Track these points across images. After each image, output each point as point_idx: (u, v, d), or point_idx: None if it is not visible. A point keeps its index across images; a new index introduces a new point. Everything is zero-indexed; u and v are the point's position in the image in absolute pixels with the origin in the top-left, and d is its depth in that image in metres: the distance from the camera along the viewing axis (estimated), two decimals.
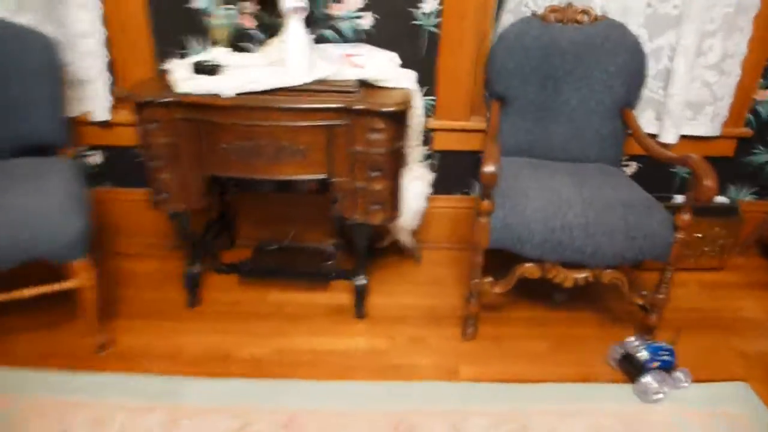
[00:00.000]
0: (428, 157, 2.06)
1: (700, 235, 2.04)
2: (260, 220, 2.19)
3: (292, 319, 1.82)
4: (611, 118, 1.84)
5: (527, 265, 1.60)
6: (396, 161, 1.57)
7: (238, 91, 1.46)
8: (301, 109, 1.46)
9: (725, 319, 1.87)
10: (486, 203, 1.49)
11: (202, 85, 1.45)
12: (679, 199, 2.09)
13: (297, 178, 1.56)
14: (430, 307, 1.89)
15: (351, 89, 1.47)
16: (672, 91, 1.89)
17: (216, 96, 1.46)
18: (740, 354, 1.70)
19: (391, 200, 1.61)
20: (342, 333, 1.77)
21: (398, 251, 2.16)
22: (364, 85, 1.59)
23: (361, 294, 1.79)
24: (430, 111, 1.99)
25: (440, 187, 2.11)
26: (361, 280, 1.77)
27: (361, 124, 1.49)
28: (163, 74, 1.62)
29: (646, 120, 2.00)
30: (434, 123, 1.99)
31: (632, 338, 1.58)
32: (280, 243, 2.12)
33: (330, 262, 1.98)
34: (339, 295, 1.93)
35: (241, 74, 1.52)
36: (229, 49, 1.66)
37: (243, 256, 2.03)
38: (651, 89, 1.96)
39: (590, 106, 1.83)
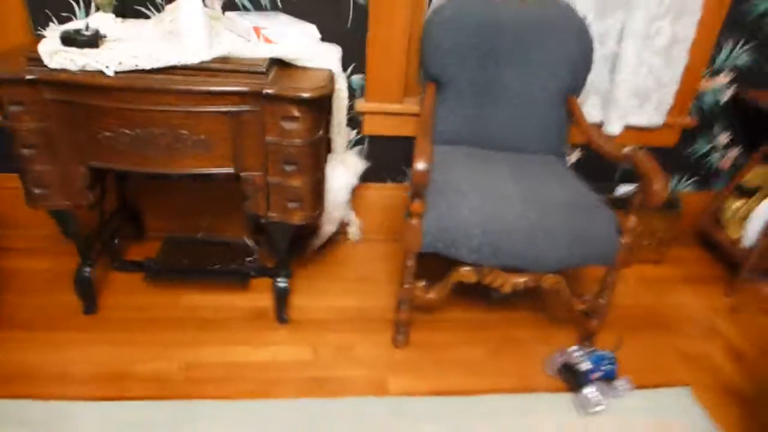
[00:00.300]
0: (358, 142, 1.87)
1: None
2: (171, 209, 1.94)
3: (206, 325, 1.62)
4: (555, 106, 1.70)
5: (463, 269, 1.46)
6: (316, 153, 1.37)
7: (119, 69, 1.20)
8: (200, 92, 1.23)
9: (666, 317, 1.81)
10: (417, 204, 1.33)
11: (74, 61, 1.19)
12: (622, 189, 2.01)
13: (199, 172, 1.34)
14: (359, 309, 1.73)
15: (259, 70, 1.25)
16: (619, 78, 1.77)
17: (95, 74, 1.21)
18: (682, 355, 1.65)
19: (312, 197, 1.42)
20: (262, 341, 1.58)
21: (327, 242, 1.98)
22: (278, 64, 1.36)
23: (281, 298, 1.60)
24: (360, 91, 1.79)
25: (372, 174, 1.93)
26: (281, 283, 1.58)
27: (273, 111, 1.27)
28: (36, 43, 1.34)
29: (590, 106, 1.88)
30: (364, 105, 1.79)
31: (574, 348, 1.48)
32: (192, 237, 1.89)
33: (250, 259, 1.78)
34: (260, 296, 1.74)
35: (125, 48, 1.26)
36: (114, 15, 1.38)
37: (152, 252, 1.80)
38: (596, 74, 1.84)
39: (533, 91, 1.69)
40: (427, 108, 1.62)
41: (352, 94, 1.78)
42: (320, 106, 1.33)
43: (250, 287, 1.77)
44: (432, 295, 1.50)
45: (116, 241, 1.78)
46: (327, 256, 1.94)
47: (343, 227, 1.95)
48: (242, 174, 1.37)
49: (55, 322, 1.59)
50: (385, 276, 1.87)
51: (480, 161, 1.60)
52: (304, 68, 1.38)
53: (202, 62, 1.24)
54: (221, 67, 1.25)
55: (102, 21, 1.35)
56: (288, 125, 1.29)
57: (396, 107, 1.79)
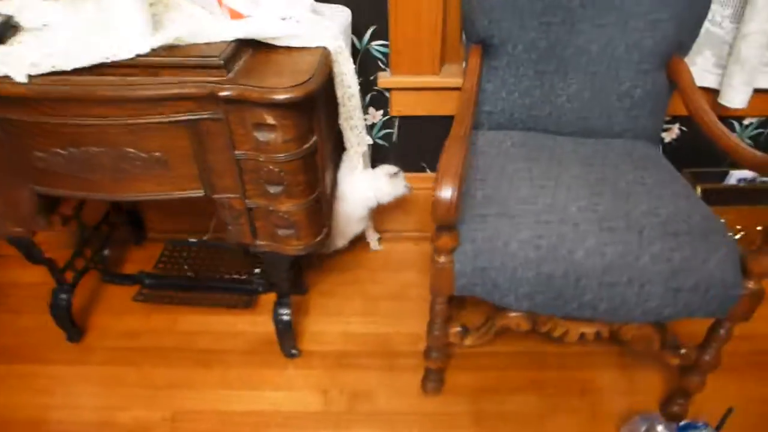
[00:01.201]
0: (385, 125, 1.48)
1: (760, 228, 1.49)
2: (175, 208, 1.67)
3: (203, 359, 1.37)
4: (651, 71, 1.22)
5: (512, 314, 1.09)
6: (309, 168, 1.01)
7: (34, 73, 0.88)
8: (137, 99, 0.89)
9: None
10: (443, 239, 0.95)
11: None
12: (737, 176, 1.51)
13: (157, 198, 1.02)
14: (384, 338, 1.41)
15: (213, 62, 0.88)
16: (748, 28, 1.24)
17: (4, 80, 0.89)
18: None
19: (310, 222, 1.08)
20: (264, 383, 1.31)
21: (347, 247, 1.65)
22: (254, 45, 0.99)
23: (284, 332, 1.31)
24: (383, 62, 1.38)
25: (405, 162, 1.55)
26: (284, 315, 1.29)
27: (241, 118, 0.92)
28: None
29: (699, 68, 1.37)
30: (389, 80, 1.38)
31: (657, 418, 1.10)
32: (196, 240, 1.62)
33: (257, 271, 1.49)
34: (269, 316, 1.46)
35: (46, 42, 0.93)
36: None
37: (152, 259, 1.56)
38: (712, 21, 1.31)
39: (619, 53, 1.21)
40: (470, 82, 1.20)
41: (375, 65, 1.38)
42: (309, 106, 0.95)
43: (258, 304, 1.50)
44: (470, 341, 1.15)
45: (106, 252, 1.54)
46: (348, 263, 1.62)
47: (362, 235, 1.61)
48: (215, 197, 1.04)
49: (38, 351, 1.40)
50: (416, 291, 1.53)
51: (539, 155, 1.18)
52: (288, 49, 0.99)
53: (138, 56, 0.89)
54: (164, 61, 0.89)
55: (26, 1, 1.03)
56: (263, 136, 0.93)
57: (431, 80, 1.38)
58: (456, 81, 1.37)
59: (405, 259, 1.63)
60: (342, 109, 1.13)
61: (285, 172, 0.97)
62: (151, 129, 0.93)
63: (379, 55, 1.36)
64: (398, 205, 1.62)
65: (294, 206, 1.03)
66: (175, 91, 0.88)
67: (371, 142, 1.22)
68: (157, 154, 0.96)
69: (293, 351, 1.35)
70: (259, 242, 1.11)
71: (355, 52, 1.34)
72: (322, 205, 1.10)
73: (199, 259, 1.59)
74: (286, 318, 1.28)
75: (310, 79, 0.90)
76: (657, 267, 0.95)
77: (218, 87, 0.87)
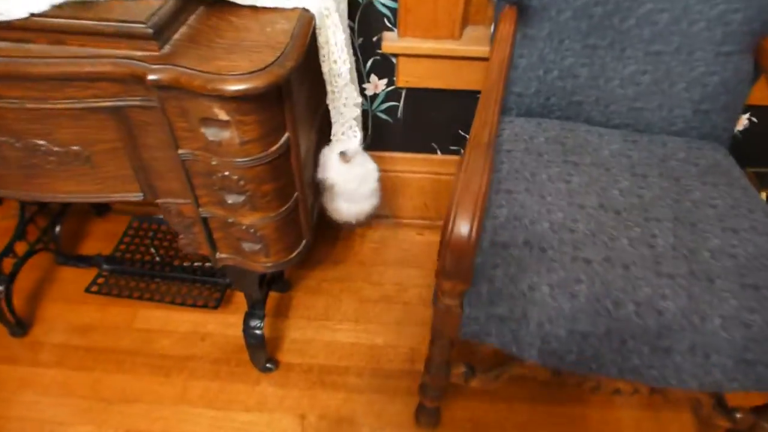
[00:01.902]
0: (390, 96, 1.21)
1: None
2: None
3: (163, 366, 1.18)
4: (735, 54, 0.94)
5: (530, 362, 0.88)
6: (280, 173, 0.77)
7: None
8: (36, 77, 0.64)
9: None
10: (451, 283, 0.72)
11: None
12: None
13: (83, 200, 0.79)
14: (375, 351, 1.21)
15: (138, 29, 0.62)
16: None
17: None
18: None
19: (282, 237, 0.84)
20: (233, 399, 1.13)
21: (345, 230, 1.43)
22: (205, 3, 0.72)
23: (256, 347, 1.11)
24: (390, 20, 1.09)
25: (412, 142, 1.29)
26: (255, 329, 1.08)
27: (181, 108, 0.67)
28: None
29: None
30: (396, 43, 1.10)
31: None
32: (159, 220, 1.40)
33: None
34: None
35: None
36: None
37: (116, 235, 1.35)
38: None
39: (697, 28, 0.93)
40: (499, 55, 0.92)
41: (379, 23, 1.09)
42: (279, 95, 0.70)
43: (232, 301, 1.30)
44: (476, 384, 0.95)
45: (58, 230, 1.32)
46: (340, 254, 1.40)
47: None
48: (159, 202, 0.81)
49: None
50: (416, 293, 1.31)
51: (580, 158, 0.92)
52: (255, 9, 0.72)
53: (33, 15, 0.63)
54: (70, 25, 0.63)
55: None
56: (213, 134, 0.68)
57: (449, 46, 1.09)
58: (480, 49, 1.09)
59: (405, 250, 1.41)
60: (328, 88, 0.86)
61: (246, 180, 0.73)
62: (63, 116, 0.68)
63: (386, 11, 1.07)
64: (398, 187, 1.38)
65: (260, 220, 0.79)
66: (87, 69, 0.62)
67: (359, 135, 0.96)
68: (74, 147, 0.72)
69: (268, 365, 1.16)
70: (219, 255, 0.88)
71: (354, 6, 1.05)
72: (299, 214, 0.86)
73: (167, 240, 1.38)
74: (257, 332, 1.07)
75: (278, 58, 0.64)
76: (730, 333, 0.72)
77: (143, 68, 0.61)
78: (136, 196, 0.79)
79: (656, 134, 1.01)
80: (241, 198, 0.76)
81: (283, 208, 0.80)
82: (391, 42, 1.09)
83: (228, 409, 1.12)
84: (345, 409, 1.12)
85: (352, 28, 1.09)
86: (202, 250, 0.88)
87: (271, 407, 1.12)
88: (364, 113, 1.24)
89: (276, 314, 1.27)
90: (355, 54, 1.13)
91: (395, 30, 1.09)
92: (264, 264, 0.87)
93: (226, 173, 0.73)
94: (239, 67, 0.61)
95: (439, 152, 1.31)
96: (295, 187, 0.81)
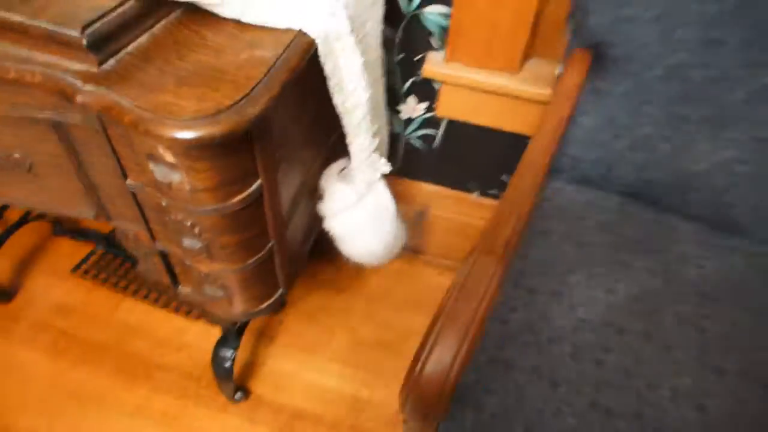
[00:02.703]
0: (427, 123, 1.03)
1: None
2: None
3: (131, 369, 1.09)
4: None
5: None
6: (246, 223, 0.62)
7: None
8: None
9: None
10: (417, 424, 0.57)
11: None
12: None
13: (37, 209, 0.69)
14: (356, 404, 1.07)
15: (70, 36, 0.48)
16: None
17: None
18: None
19: (248, 288, 0.71)
20: (192, 424, 1.03)
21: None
22: (185, 5, 0.57)
23: (223, 377, 1.00)
24: (439, 37, 0.91)
25: (448, 177, 1.12)
26: (225, 361, 0.96)
27: (124, 138, 0.53)
28: None
29: None
30: (441, 68, 0.91)
31: None
32: None
33: None
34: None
35: None
36: None
37: None
38: None
39: None
40: (559, 107, 0.74)
41: (424, 40, 0.91)
42: (242, 139, 0.55)
43: None
44: None
45: None
46: (348, 282, 1.26)
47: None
48: (113, 224, 0.69)
49: None
50: (413, 336, 1.16)
51: (637, 259, 0.73)
52: (239, 25, 0.57)
53: None
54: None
55: None
56: (161, 173, 0.55)
57: (503, 82, 0.90)
58: (541, 92, 0.89)
59: (418, 292, 1.25)
60: (345, 121, 0.71)
61: (201, 229, 0.60)
62: (1, 119, 0.57)
63: (434, 28, 0.89)
64: (428, 225, 1.22)
65: (221, 271, 0.66)
66: (11, 74, 0.50)
67: (388, 169, 0.80)
68: (16, 155, 0.61)
69: (237, 395, 1.05)
70: (182, 290, 0.76)
71: (397, 16, 0.88)
72: (273, 264, 0.73)
73: None
74: (226, 364, 0.96)
75: (239, 101, 0.48)
76: None
77: (72, 86, 0.48)
78: (87, 214, 0.67)
79: (748, 239, 0.79)
80: (198, 244, 0.63)
81: (250, 261, 0.67)
82: (434, 66, 0.91)
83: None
84: None
85: (391, 41, 0.91)
86: (163, 281, 0.76)
87: None
88: (395, 136, 1.07)
89: (260, 335, 1.15)
90: (391, 72, 0.96)
91: (442, 50, 0.91)
92: (228, 311, 0.75)
93: (179, 217, 0.59)
94: (184, 108, 0.47)
95: (475, 193, 1.13)
96: (268, 237, 0.67)
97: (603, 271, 0.71)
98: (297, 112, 0.65)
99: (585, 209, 0.79)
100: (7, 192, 0.67)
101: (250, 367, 1.10)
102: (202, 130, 0.46)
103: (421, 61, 0.93)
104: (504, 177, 1.08)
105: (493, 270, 0.52)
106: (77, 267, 1.21)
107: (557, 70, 0.90)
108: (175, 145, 0.49)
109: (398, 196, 1.19)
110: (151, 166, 0.55)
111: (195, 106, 0.47)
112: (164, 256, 0.70)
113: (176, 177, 0.54)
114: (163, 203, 0.58)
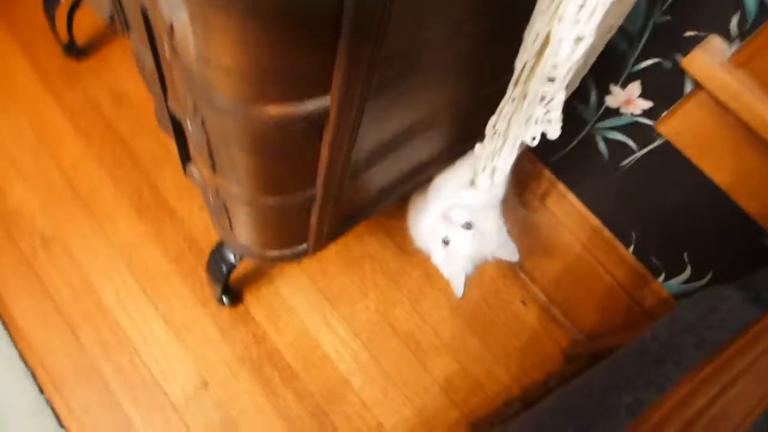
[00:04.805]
0: (628, 131, 0.69)
1: None
2: None
3: (145, 206, 0.93)
4: None
5: None
6: (286, 150, 0.36)
7: None
8: None
9: None
10: None
11: None
12: None
13: None
14: (339, 382, 0.86)
15: None
16: None
17: None
18: None
19: (257, 229, 0.47)
20: (167, 295, 0.87)
21: None
22: None
23: (213, 277, 0.80)
24: (743, 23, 0.54)
25: (604, 205, 0.79)
26: (223, 262, 0.76)
27: None
28: None
29: None
30: (718, 70, 0.55)
31: None
32: None
33: None
34: None
35: None
36: None
37: None
38: None
39: None
40: None
41: (719, 15, 0.55)
42: (315, 14, 0.27)
43: None
44: None
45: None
46: (411, 259, 0.99)
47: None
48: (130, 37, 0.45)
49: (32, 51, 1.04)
50: (449, 368, 0.90)
51: None
52: None
53: None
54: None
55: None
56: (170, 7, 0.29)
57: None
58: None
59: (489, 310, 0.97)
60: (518, 64, 0.40)
61: (207, 124, 0.35)
62: None
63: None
64: (550, 242, 0.90)
65: (224, 189, 0.42)
66: None
67: (507, 169, 0.50)
68: None
69: (224, 299, 0.86)
70: (190, 169, 0.53)
71: None
72: (308, 217, 0.47)
73: None
74: (222, 268, 0.76)
75: None
76: None
77: None
78: None
79: None
80: (200, 138, 0.38)
81: (269, 200, 0.41)
82: (707, 59, 0.55)
83: (155, 305, 0.87)
84: (244, 415, 0.82)
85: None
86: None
87: (189, 342, 0.85)
88: (576, 120, 0.74)
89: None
90: (631, 35, 0.61)
91: (731, 46, 0.54)
92: (228, 235, 0.52)
93: (180, 87, 0.34)
94: None
95: (632, 249, 0.79)
96: (310, 183, 0.41)
97: None
98: (452, 27, 0.36)
99: None
100: None
101: (257, 276, 0.91)
102: None
103: (693, 42, 0.57)
104: (688, 257, 0.73)
105: None
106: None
107: None
108: None
109: (531, 195, 0.88)
110: None
111: None
112: (174, 122, 0.47)
113: (184, 22, 0.28)
114: (167, 53, 0.33)
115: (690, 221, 0.70)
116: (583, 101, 0.71)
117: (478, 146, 0.50)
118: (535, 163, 0.84)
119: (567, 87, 0.41)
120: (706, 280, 0.73)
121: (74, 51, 1.01)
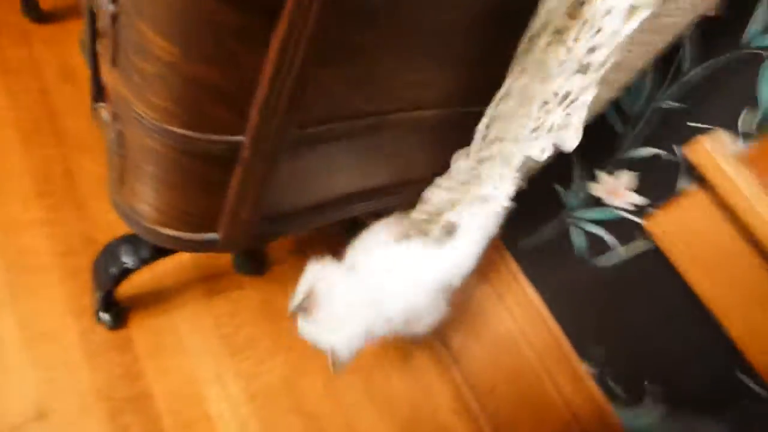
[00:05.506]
0: (615, 222, 0.62)
1: None
2: None
3: (46, 171, 0.80)
4: None
5: None
6: (209, 46, 0.27)
7: None
8: None
9: None
10: None
11: None
12: None
13: None
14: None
15: None
16: None
17: None
18: None
19: (149, 175, 0.35)
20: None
21: None
22: None
23: (100, 282, 0.65)
24: (739, 124, 0.50)
25: (566, 306, 0.70)
26: (114, 263, 0.62)
27: None
28: None
29: None
30: (729, 165, 0.50)
31: None
32: None
33: None
34: None
35: None
36: None
37: None
38: None
39: None
40: None
41: (733, 106, 0.51)
42: None
43: None
44: None
45: None
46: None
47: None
48: None
49: None
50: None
51: None
52: None
53: None
54: None
55: None
56: None
57: None
58: None
59: (396, 388, 0.83)
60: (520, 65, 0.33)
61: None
62: None
63: (750, 93, 0.49)
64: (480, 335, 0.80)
65: (120, 98, 0.31)
66: None
67: (503, 207, 0.42)
68: None
69: (103, 316, 0.70)
70: (98, 109, 0.42)
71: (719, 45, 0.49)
72: (227, 181, 0.36)
73: None
74: (111, 270, 0.61)
75: None
76: None
77: None
78: None
79: None
80: (107, 17, 0.28)
81: (181, 134, 0.31)
82: (711, 150, 0.50)
83: (15, 298, 0.69)
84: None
85: (680, 72, 0.52)
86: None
87: (41, 356, 0.67)
88: (555, 204, 0.67)
89: (203, 276, 0.80)
90: (636, 115, 0.57)
91: (743, 144, 0.50)
92: (117, 193, 0.40)
93: None
94: None
95: (590, 366, 0.69)
96: (238, 127, 0.31)
97: None
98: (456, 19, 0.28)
99: None
100: None
101: (153, 301, 0.75)
102: None
103: (695, 134, 0.52)
104: (649, 385, 0.63)
105: None
106: None
107: None
108: None
109: (487, 282, 0.79)
110: None
111: None
112: (92, 15, 0.36)
113: None
114: None
115: (662, 344, 0.61)
116: (562, 182, 0.65)
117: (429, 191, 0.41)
118: (498, 246, 0.76)
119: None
120: (662, 413, 0.63)
121: (34, 12, 0.92)
